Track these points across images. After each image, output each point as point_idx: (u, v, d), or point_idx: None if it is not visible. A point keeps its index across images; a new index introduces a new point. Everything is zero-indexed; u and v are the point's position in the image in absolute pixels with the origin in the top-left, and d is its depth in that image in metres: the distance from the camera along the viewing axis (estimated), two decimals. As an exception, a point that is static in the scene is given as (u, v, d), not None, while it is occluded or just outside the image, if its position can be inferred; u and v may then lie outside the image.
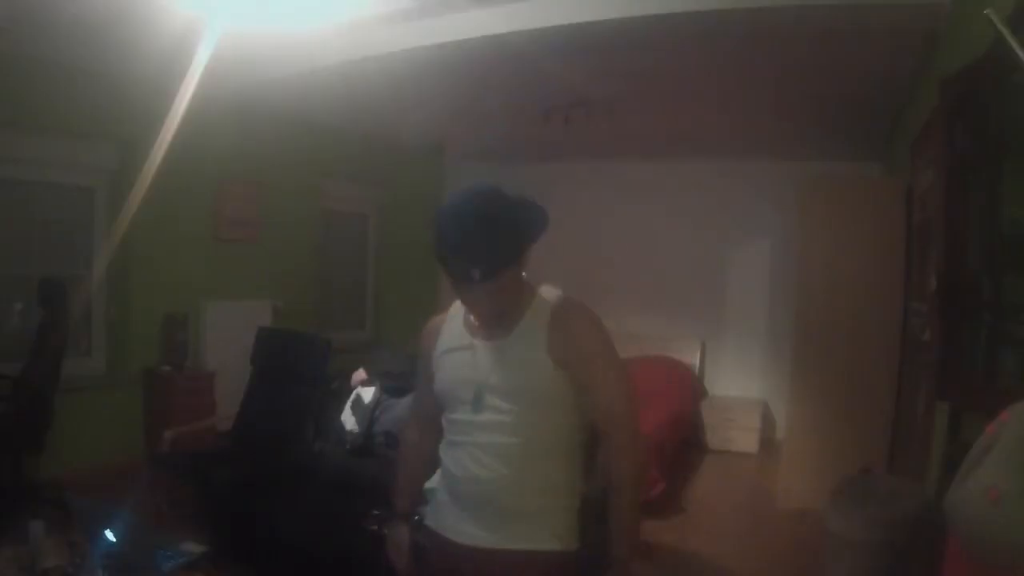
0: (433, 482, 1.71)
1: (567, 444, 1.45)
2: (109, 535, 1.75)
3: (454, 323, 1.53)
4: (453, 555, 1.46)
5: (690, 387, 5.93)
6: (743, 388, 6.32)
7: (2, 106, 3.76)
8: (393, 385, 3.72)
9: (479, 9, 3.24)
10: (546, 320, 1.40)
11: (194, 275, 4.89)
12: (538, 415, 1.41)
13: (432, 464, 1.61)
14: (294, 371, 3.62)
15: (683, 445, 5.37)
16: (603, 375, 1.42)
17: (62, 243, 4.40)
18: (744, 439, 5.86)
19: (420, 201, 6.91)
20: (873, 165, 5.64)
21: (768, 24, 3.00)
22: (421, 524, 1.62)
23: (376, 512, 2.32)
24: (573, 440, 1.46)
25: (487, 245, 1.31)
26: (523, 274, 1.42)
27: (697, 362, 6.41)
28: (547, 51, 3.46)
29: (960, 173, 2.25)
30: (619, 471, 1.43)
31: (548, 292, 1.46)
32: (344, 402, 3.80)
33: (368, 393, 3.75)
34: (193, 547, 2.00)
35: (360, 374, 3.90)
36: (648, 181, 6.63)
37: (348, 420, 3.72)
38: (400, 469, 1.72)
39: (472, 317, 1.46)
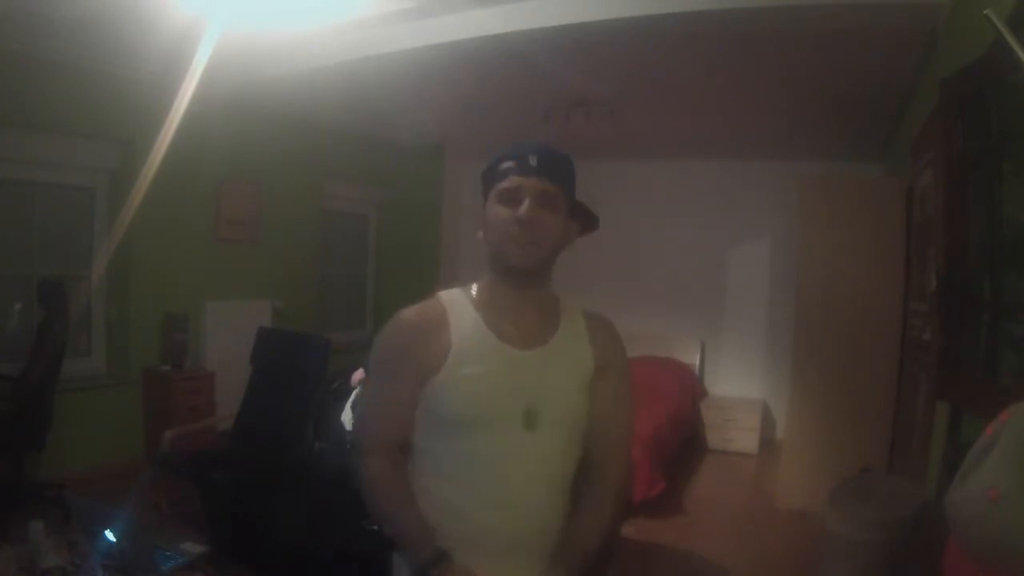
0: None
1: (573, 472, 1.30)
2: (109, 535, 1.74)
3: (465, 322, 1.24)
4: None
5: (690, 387, 5.92)
6: (743, 388, 6.32)
7: (2, 106, 3.76)
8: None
9: (479, 9, 3.24)
10: (583, 326, 1.30)
11: (194, 275, 4.90)
12: (577, 437, 1.26)
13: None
14: (294, 371, 3.62)
15: (683, 445, 5.36)
16: (622, 399, 1.31)
17: (62, 243, 4.39)
18: (744, 439, 5.87)
19: (420, 201, 6.92)
20: (873, 165, 5.64)
21: (768, 24, 3.01)
22: None
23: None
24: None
25: (551, 150, 1.24)
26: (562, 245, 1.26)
27: (697, 362, 6.41)
28: (547, 51, 3.46)
29: (960, 173, 2.25)
30: (602, 505, 1.28)
31: (569, 300, 1.34)
32: (344, 402, 3.80)
33: (368, 393, 3.74)
34: (193, 547, 2.00)
35: (360, 374, 3.89)
36: (648, 181, 6.63)
37: (348, 420, 3.72)
38: (398, 508, 1.22)
39: (506, 253, 1.21)
